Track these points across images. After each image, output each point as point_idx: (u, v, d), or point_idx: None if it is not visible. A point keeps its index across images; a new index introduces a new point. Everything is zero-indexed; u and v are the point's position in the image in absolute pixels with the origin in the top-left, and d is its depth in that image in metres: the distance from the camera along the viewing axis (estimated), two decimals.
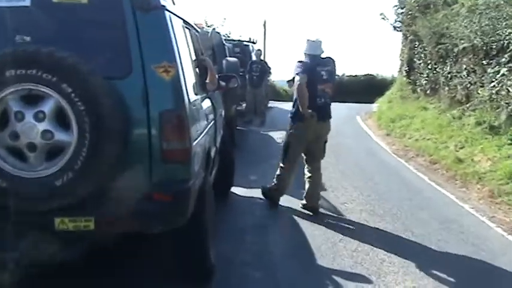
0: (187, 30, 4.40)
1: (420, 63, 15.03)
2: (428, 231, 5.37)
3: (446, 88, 12.63)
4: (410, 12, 16.51)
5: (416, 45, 15.48)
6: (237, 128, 11.35)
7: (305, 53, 5.71)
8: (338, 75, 30.48)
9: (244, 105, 14.16)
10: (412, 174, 8.41)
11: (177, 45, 3.38)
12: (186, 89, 3.35)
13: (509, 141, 8.20)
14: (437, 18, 13.51)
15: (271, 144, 10.91)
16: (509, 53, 8.24)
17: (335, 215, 5.87)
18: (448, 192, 7.15)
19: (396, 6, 17.42)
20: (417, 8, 15.65)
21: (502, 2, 9.15)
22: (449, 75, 12.53)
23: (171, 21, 3.41)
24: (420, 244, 5.01)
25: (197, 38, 5.34)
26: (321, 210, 5.96)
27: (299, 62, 5.62)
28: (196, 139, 3.46)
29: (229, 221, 5.50)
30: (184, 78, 3.36)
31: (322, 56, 5.74)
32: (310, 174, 5.95)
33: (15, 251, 2.97)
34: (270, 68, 14.36)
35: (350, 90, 24.97)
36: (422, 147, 10.13)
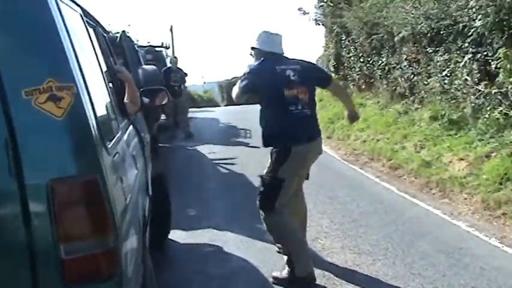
0: (90, 28, 2.80)
1: (350, 57, 14.00)
2: (442, 272, 4.06)
3: (385, 81, 11.64)
4: (331, 4, 15.48)
5: (343, 39, 14.45)
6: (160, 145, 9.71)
7: (258, 49, 4.12)
8: None
9: (163, 117, 12.44)
10: (377, 186, 7.17)
11: (72, 47, 1.79)
12: (98, 127, 1.77)
13: (479, 137, 7.14)
14: (365, 8, 12.48)
15: (204, 163, 9.38)
16: (470, 37, 7.18)
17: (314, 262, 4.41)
18: (429, 207, 5.94)
19: None
20: None
21: None
22: (386, 68, 11.53)
23: (58, 5, 1.82)
24: None
25: (106, 41, 3.74)
26: None
27: (251, 66, 4.10)
28: (125, 214, 1.90)
29: None
30: (93, 107, 1.78)
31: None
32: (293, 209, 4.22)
33: None
34: (186, 74, 12.76)
35: None
36: (376, 150, 8.95)
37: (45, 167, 1.53)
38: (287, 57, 4.18)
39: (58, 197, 1.51)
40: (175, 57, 13.12)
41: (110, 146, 1.89)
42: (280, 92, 3.89)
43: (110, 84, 3.07)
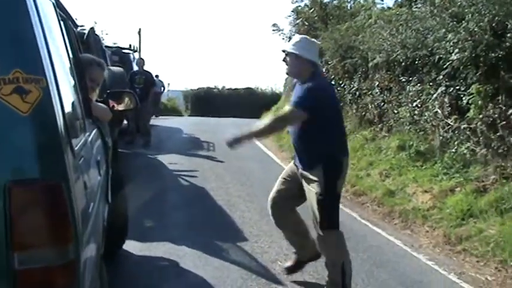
0: (61, 21, 2.60)
1: None
2: None
3: (354, 106, 11.66)
4: (306, 23, 15.53)
5: None
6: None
7: (310, 62, 3.77)
8: (218, 88, 29.03)
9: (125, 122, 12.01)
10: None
11: (44, 38, 1.61)
12: (66, 127, 1.60)
13: (444, 171, 7.17)
14: (342, 30, 12.56)
15: (165, 173, 9.11)
16: (445, 70, 7.25)
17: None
18: (391, 237, 5.88)
19: (290, 16, 16.36)
20: (316, 18, 14.67)
21: (429, 14, 8.18)
22: (357, 93, 11.58)
23: None
24: None
25: (76, 36, 3.56)
26: None
27: (312, 86, 3.72)
28: (87, 224, 1.73)
29: None
30: (62, 104, 1.61)
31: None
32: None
33: None
34: (162, 82, 12.44)
35: (231, 104, 25.28)
36: None
37: (4, 166, 1.36)
38: None
39: (16, 201, 1.34)
40: (142, 59, 12.88)
41: (76, 148, 1.72)
42: (340, 108, 4.22)
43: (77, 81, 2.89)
